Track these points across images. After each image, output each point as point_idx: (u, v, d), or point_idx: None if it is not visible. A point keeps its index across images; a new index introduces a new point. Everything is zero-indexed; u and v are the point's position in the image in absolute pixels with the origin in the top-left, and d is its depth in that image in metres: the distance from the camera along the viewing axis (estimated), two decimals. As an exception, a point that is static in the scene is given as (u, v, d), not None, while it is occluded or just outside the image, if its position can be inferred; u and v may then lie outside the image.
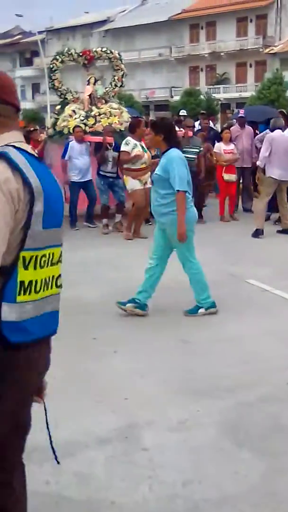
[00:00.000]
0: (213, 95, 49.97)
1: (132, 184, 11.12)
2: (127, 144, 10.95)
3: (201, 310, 6.75)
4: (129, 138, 11.13)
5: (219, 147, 12.86)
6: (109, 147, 12.04)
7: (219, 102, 48.61)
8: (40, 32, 62.98)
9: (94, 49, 14.80)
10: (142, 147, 11.00)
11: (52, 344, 5.95)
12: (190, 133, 12.26)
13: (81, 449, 4.06)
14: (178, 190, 6.37)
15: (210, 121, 17.18)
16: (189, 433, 4.24)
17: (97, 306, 7.23)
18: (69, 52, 14.32)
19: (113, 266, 9.17)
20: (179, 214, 6.42)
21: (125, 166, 11.09)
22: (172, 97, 56.99)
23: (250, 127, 13.94)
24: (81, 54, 14.43)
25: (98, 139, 12.41)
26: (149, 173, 10.67)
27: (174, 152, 6.51)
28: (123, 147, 11.02)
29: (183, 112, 18.96)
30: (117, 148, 11.94)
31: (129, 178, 11.16)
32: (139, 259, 9.56)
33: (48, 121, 17.14)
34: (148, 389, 4.95)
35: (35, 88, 72.65)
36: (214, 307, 6.76)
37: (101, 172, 12.17)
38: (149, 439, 4.17)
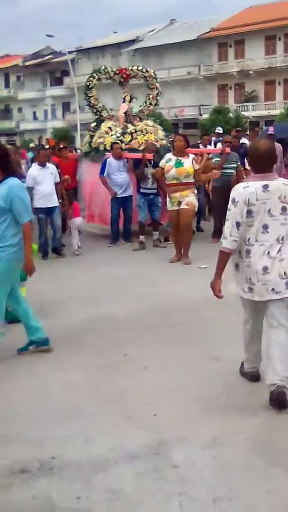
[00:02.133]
0: (242, 113, 50.06)
1: (167, 203, 10.88)
2: (163, 158, 10.79)
3: (32, 348, 6.34)
4: (167, 153, 11.03)
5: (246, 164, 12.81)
6: (148, 164, 12.07)
7: (248, 119, 48.57)
8: (70, 52, 63.65)
9: (130, 68, 14.89)
10: (179, 162, 10.41)
11: (82, 360, 6.01)
12: (228, 149, 12.19)
13: (111, 465, 4.04)
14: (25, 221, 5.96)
15: (243, 138, 17.12)
16: (220, 450, 4.20)
17: (128, 322, 7.23)
18: (106, 70, 14.42)
19: (144, 282, 9.17)
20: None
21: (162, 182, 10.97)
22: (201, 115, 57.09)
23: (280, 144, 13.88)
24: (117, 72, 14.53)
25: (137, 155, 12.47)
26: (188, 191, 10.47)
27: (13, 181, 5.99)
28: (160, 163, 10.91)
29: (219, 130, 18.94)
30: (156, 165, 11.96)
31: (167, 196, 10.90)
32: (170, 277, 9.60)
33: (78, 139, 17.27)
34: (178, 406, 4.92)
35: (65, 107, 73.27)
36: (46, 345, 6.35)
37: (141, 189, 12.21)
38: (179, 455, 4.13)
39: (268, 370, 4.87)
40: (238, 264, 5.04)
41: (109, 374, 5.62)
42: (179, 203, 10.46)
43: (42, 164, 11.55)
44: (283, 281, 4.80)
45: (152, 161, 12.09)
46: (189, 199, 10.48)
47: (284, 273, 4.80)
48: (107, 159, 12.63)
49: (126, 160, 12.74)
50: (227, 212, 4.92)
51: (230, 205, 4.89)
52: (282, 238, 4.82)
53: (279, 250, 4.81)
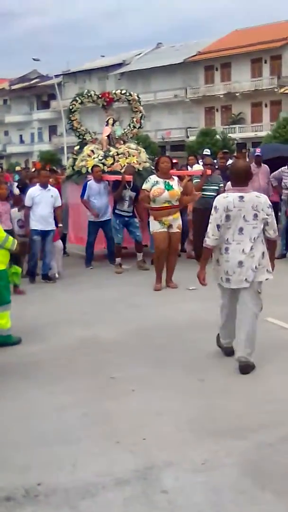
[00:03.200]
0: (229, 134, 50.32)
1: (152, 225, 10.36)
2: (146, 182, 10.30)
3: None
4: (152, 176, 10.56)
5: (229, 185, 12.75)
6: (127, 186, 12.08)
7: (235, 141, 48.87)
8: (57, 76, 64.00)
9: (113, 91, 14.93)
10: (168, 184, 10.08)
11: (71, 383, 5.94)
12: (209, 171, 12.21)
13: (99, 490, 3.97)
14: None
15: (229, 159, 17.15)
16: (209, 474, 4.14)
17: (115, 345, 7.18)
18: (89, 94, 14.47)
19: (130, 305, 9.14)
20: None
21: (150, 205, 10.31)
22: (188, 137, 57.45)
23: (266, 166, 13.94)
24: (100, 96, 14.59)
25: (117, 177, 12.45)
26: (178, 214, 10.33)
27: None
28: (143, 185, 10.41)
29: (206, 152, 18.97)
30: (135, 188, 12.02)
31: (151, 219, 10.37)
32: (157, 298, 9.57)
33: (65, 162, 17.31)
34: (166, 429, 4.87)
35: (52, 130, 73.55)
36: None
37: (116, 211, 12.19)
38: (168, 480, 4.08)
39: (238, 346, 6.14)
40: (218, 259, 6.21)
41: (97, 397, 5.57)
42: (170, 226, 10.16)
43: (44, 186, 11.31)
44: (253, 273, 6.00)
45: (131, 183, 12.12)
46: (179, 222, 10.33)
47: (255, 266, 6.00)
48: (88, 182, 12.62)
49: (107, 183, 12.71)
50: (211, 217, 6.12)
51: (213, 211, 6.11)
52: (254, 238, 6.00)
53: (251, 248, 5.99)
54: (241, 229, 6.00)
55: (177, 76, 61.22)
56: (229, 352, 6.41)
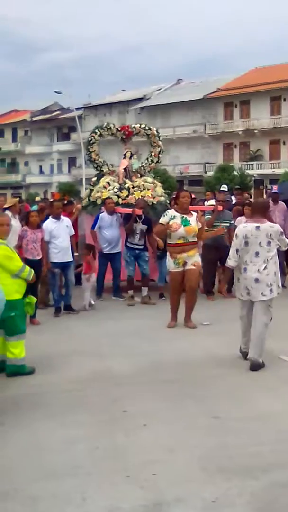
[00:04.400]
0: (247, 171, 50.57)
1: (168, 263, 9.99)
2: (164, 215, 9.91)
3: None
4: (169, 210, 10.27)
5: (240, 220, 12.73)
6: (138, 220, 12.13)
7: (253, 178, 49.04)
8: (78, 109, 64.73)
9: (133, 125, 15.08)
10: (185, 220, 9.70)
11: (83, 416, 5.92)
12: (221, 208, 12.25)
13: (108, 525, 3.94)
14: None
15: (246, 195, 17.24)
16: (220, 513, 4.10)
17: (128, 378, 7.15)
18: (108, 127, 14.62)
19: (143, 338, 9.11)
20: None
21: (159, 240, 10.25)
22: (206, 172, 57.72)
23: (284, 203, 13.96)
24: (119, 129, 14.73)
25: (127, 210, 12.50)
26: (195, 251, 9.93)
27: None
28: (160, 219, 10.03)
29: (224, 188, 19.03)
30: (147, 221, 12.10)
31: (167, 256, 10.01)
32: (171, 332, 9.54)
33: (83, 194, 17.43)
34: (177, 465, 4.82)
35: (72, 162, 74.15)
36: None
37: (128, 244, 12.25)
38: (178, 517, 4.04)
39: (250, 348, 7.46)
40: (239, 278, 7.67)
41: (109, 431, 5.54)
42: (184, 264, 9.75)
43: (57, 217, 11.27)
44: (268, 288, 7.38)
45: (142, 217, 12.18)
46: (196, 259, 9.85)
47: (270, 283, 7.39)
48: (100, 214, 12.69)
49: (119, 215, 12.75)
50: (232, 242, 7.75)
51: (234, 237, 7.72)
52: (267, 260, 7.39)
53: (265, 268, 7.38)
54: (257, 253, 7.41)
55: (197, 111, 61.73)
56: (247, 355, 7.57)
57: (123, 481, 4.55)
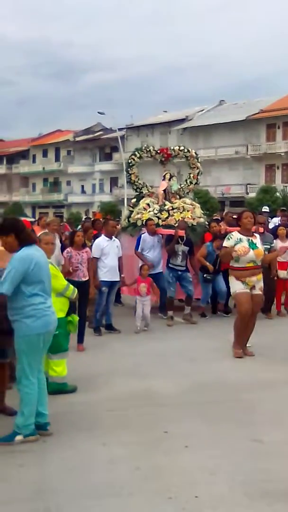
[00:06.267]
0: (289, 192, 50.17)
1: (234, 285, 9.42)
2: (228, 239, 9.43)
3: (19, 437, 5.80)
4: (233, 232, 9.69)
5: (276, 243, 12.75)
6: (180, 241, 12.23)
7: (295, 199, 48.70)
8: (120, 129, 65.16)
9: (171, 147, 15.21)
10: (252, 243, 9.27)
11: (124, 435, 5.92)
12: (262, 229, 12.24)
13: None
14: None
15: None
16: (263, 538, 4.05)
17: (169, 398, 7.14)
18: (148, 149, 14.77)
19: (185, 358, 9.10)
20: None
21: (230, 264, 9.53)
22: (247, 193, 57.46)
23: None
24: (159, 151, 14.84)
25: (170, 231, 12.62)
26: (261, 275, 9.48)
27: (22, 252, 5.83)
28: (224, 243, 9.58)
29: (265, 209, 19.02)
30: (188, 242, 12.27)
31: (232, 278, 9.47)
32: (213, 353, 9.49)
33: (124, 214, 17.53)
34: (219, 488, 4.78)
35: (113, 181, 74.54)
36: (34, 435, 5.88)
37: (170, 265, 12.36)
38: None
39: None
40: None
41: (150, 451, 5.52)
42: (253, 287, 9.30)
43: (110, 236, 11.31)
44: None
45: (183, 238, 12.29)
46: (262, 284, 9.49)
47: None
48: (142, 235, 12.78)
49: (161, 236, 12.86)
50: None
51: None
52: None
53: None
54: None
55: (239, 133, 61.59)
56: None
57: (165, 502, 4.53)
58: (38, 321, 5.84)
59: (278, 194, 48.09)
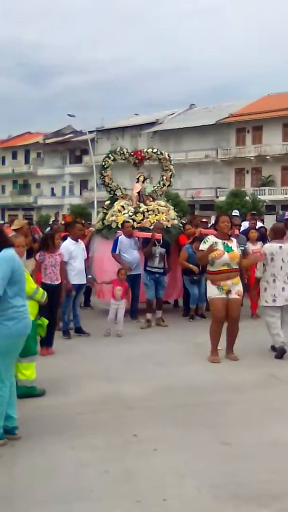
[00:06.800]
0: (259, 196, 50.55)
1: (209, 290, 9.49)
2: (204, 242, 9.43)
3: None
4: (209, 236, 9.72)
5: (248, 247, 12.83)
6: (157, 243, 12.26)
7: (265, 203, 49.07)
8: (90, 132, 65.15)
9: (145, 150, 15.21)
10: (227, 246, 9.28)
11: (93, 439, 5.89)
12: (236, 231, 12.34)
13: None
14: None
15: (259, 222, 17.30)
16: None
17: (138, 402, 7.13)
18: (121, 151, 14.77)
19: (155, 362, 9.08)
20: None
21: (207, 268, 9.61)
22: (217, 197, 57.77)
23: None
24: (132, 153, 14.86)
25: (147, 234, 12.66)
26: (238, 279, 9.42)
27: (3, 253, 5.73)
28: (200, 246, 9.65)
29: (235, 212, 19.14)
30: (165, 244, 12.34)
31: (208, 283, 9.54)
32: (183, 357, 9.50)
33: (95, 216, 17.51)
34: (188, 491, 4.79)
35: (83, 184, 74.44)
36: (2, 439, 5.81)
37: (148, 268, 12.35)
38: None
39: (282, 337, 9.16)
40: (266, 288, 9.52)
41: (119, 455, 5.51)
42: (229, 292, 9.27)
43: (76, 239, 11.32)
44: None
45: (160, 240, 12.35)
46: (239, 288, 9.42)
47: None
48: (119, 237, 12.78)
49: (137, 238, 12.91)
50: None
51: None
52: None
53: None
54: (281, 267, 9.40)
55: (209, 137, 61.90)
56: (282, 350, 9.19)
57: (133, 506, 4.52)
58: (19, 324, 5.80)
59: (247, 198, 48.40)
